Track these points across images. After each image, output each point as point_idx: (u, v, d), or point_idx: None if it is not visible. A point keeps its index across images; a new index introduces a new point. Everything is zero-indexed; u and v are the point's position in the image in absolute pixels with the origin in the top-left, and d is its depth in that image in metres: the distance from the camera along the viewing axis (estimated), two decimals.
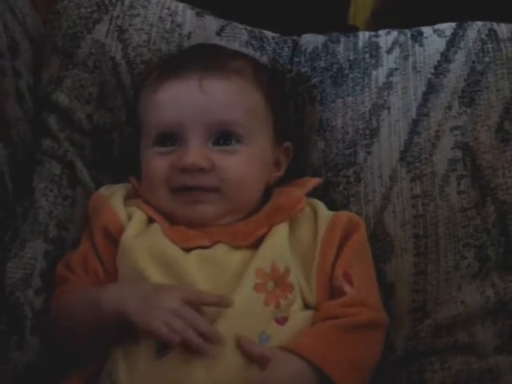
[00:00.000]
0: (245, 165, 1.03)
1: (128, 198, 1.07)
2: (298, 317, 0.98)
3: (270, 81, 1.10)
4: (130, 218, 1.04)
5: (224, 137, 1.03)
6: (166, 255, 0.99)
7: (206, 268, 0.98)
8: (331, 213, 1.06)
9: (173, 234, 1.01)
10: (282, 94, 1.14)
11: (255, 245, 1.01)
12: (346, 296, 0.99)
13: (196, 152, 1.01)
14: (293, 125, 1.16)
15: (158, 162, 1.04)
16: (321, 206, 1.07)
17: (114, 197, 1.07)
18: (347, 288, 0.99)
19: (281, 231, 1.02)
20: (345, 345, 0.95)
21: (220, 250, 1.00)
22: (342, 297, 0.99)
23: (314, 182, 1.09)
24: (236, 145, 1.03)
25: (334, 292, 1.00)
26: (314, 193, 1.10)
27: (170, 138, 1.04)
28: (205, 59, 1.06)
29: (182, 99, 1.03)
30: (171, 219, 1.04)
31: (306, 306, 1.00)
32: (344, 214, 1.06)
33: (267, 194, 1.08)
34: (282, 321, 0.97)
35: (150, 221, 1.04)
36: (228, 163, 1.02)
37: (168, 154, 1.03)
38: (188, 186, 1.02)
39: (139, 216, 1.04)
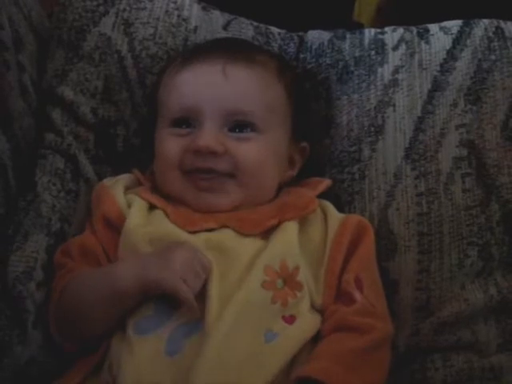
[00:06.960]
0: (259, 152, 1.02)
1: (129, 188, 1.07)
2: (306, 318, 0.97)
3: (293, 79, 1.10)
4: (129, 205, 1.03)
5: (240, 126, 1.03)
6: (170, 238, 0.98)
7: (213, 255, 0.96)
8: (341, 215, 1.05)
9: (177, 217, 1.00)
10: (304, 94, 1.14)
11: (263, 236, 1.00)
12: (356, 303, 0.98)
13: (210, 135, 1.00)
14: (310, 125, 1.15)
15: (171, 143, 1.03)
16: (331, 208, 1.06)
17: (115, 185, 1.06)
18: (357, 295, 0.98)
19: (291, 229, 1.00)
20: (366, 369, 0.93)
21: (227, 236, 0.99)
22: (350, 302, 0.98)
23: (325, 183, 1.09)
24: (251, 133, 1.03)
25: (342, 296, 0.99)
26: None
27: (187, 122, 1.03)
28: (231, 48, 1.07)
29: (204, 82, 1.03)
30: (178, 202, 1.03)
31: (312, 307, 0.99)
32: (354, 217, 1.05)
33: (276, 193, 1.07)
34: (289, 319, 0.96)
35: (152, 208, 1.03)
36: (242, 150, 1.01)
37: (183, 136, 1.03)
38: (200, 169, 1.01)
39: (139, 204, 1.03)
